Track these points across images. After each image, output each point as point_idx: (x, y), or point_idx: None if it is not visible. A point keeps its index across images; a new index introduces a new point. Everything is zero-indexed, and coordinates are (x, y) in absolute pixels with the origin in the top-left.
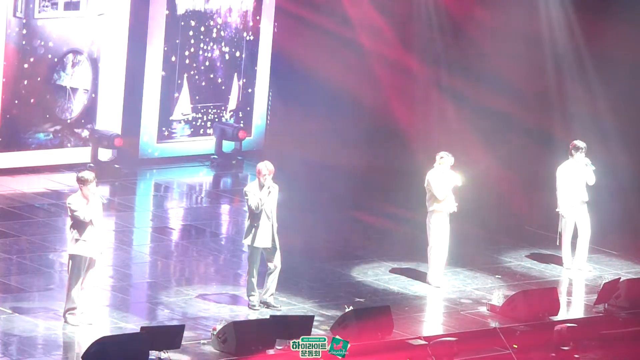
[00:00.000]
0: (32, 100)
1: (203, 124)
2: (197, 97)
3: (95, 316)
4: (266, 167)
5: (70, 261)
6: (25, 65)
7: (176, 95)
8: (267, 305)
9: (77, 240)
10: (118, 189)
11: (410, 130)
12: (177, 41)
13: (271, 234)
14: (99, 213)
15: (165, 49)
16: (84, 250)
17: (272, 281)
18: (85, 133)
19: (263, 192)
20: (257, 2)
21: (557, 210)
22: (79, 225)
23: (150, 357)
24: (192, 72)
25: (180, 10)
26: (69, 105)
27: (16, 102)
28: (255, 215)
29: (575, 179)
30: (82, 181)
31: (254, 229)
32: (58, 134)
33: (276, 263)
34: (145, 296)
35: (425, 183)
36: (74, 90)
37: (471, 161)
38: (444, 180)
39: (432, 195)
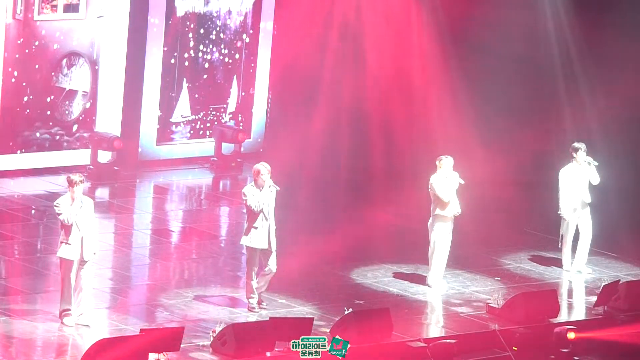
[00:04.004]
0: (31, 102)
1: (202, 126)
2: (196, 100)
3: (94, 318)
4: (265, 167)
5: (60, 263)
6: (25, 67)
7: (175, 89)
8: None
9: (61, 242)
10: (117, 191)
11: (411, 132)
12: (177, 43)
13: (268, 235)
14: (88, 215)
15: (165, 51)
16: (68, 253)
17: (265, 282)
18: (84, 135)
19: (264, 192)
20: (257, 5)
21: (558, 213)
22: (65, 227)
23: (149, 359)
24: (191, 75)
25: (179, 13)
26: (68, 107)
27: (15, 104)
28: (253, 217)
29: (577, 181)
30: (68, 182)
31: (252, 230)
32: (57, 136)
33: (271, 267)
34: (144, 298)
35: (428, 187)
36: (74, 92)
37: (471, 163)
38: (447, 183)
39: (437, 199)
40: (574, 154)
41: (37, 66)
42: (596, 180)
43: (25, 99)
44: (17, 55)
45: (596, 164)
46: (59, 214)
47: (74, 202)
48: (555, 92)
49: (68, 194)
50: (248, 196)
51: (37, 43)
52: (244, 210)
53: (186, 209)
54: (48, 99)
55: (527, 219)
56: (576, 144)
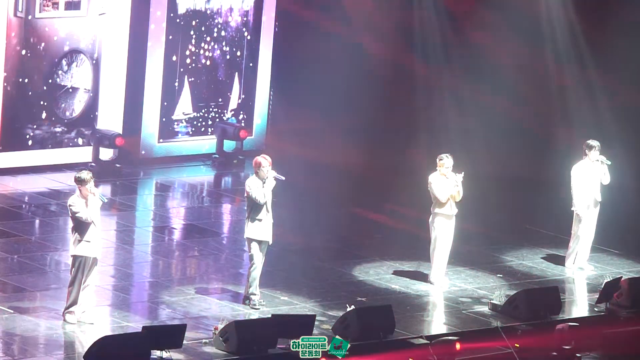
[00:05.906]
0: (33, 100)
1: (204, 123)
2: (198, 97)
3: (96, 315)
4: (266, 159)
5: (74, 262)
6: (26, 65)
7: (177, 86)
8: (249, 299)
9: (79, 241)
10: (119, 189)
11: (411, 129)
12: (178, 40)
13: (272, 228)
14: (97, 212)
15: (166, 48)
16: (87, 250)
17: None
18: (86, 132)
19: (267, 184)
20: (258, 2)
21: (572, 209)
22: (82, 225)
23: (151, 356)
24: (193, 72)
25: (181, 10)
26: (70, 104)
27: (17, 101)
28: (257, 209)
29: (589, 178)
30: (80, 181)
31: (256, 223)
32: (59, 134)
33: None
34: (146, 295)
35: (428, 186)
36: (75, 89)
37: (472, 160)
38: (446, 182)
39: (435, 198)
40: (588, 152)
41: (38, 64)
42: (607, 179)
43: (27, 96)
44: (18, 53)
45: (609, 162)
46: (76, 213)
47: (89, 199)
48: (557, 90)
49: (77, 192)
50: (253, 188)
51: (38, 40)
52: (245, 208)
53: (188, 206)
54: (49, 96)
55: (529, 216)
56: (591, 142)
